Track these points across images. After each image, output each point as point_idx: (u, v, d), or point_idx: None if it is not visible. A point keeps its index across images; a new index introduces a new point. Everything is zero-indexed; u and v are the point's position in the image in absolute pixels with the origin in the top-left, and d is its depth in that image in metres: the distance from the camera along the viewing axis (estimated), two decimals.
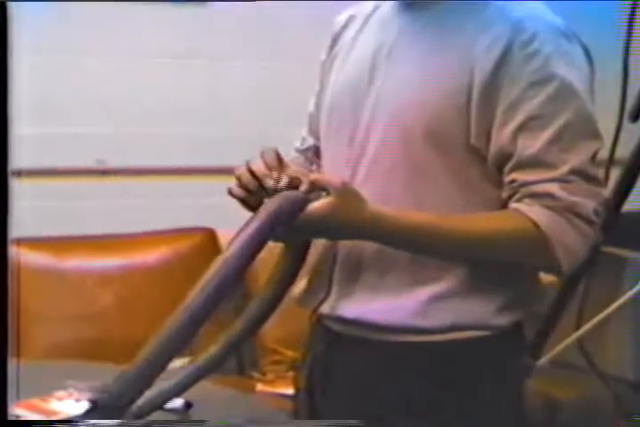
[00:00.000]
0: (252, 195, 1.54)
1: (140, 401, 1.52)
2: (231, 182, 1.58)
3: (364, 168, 1.62)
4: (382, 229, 1.51)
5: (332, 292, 1.65)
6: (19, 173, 3.17)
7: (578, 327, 2.40)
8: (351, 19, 1.76)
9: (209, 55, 3.45)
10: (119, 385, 1.36)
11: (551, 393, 3.13)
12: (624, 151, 2.22)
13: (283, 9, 3.36)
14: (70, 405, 1.76)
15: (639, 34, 2.04)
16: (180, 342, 1.36)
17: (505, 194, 1.55)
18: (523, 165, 1.52)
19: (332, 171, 1.63)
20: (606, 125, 1.79)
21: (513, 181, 1.54)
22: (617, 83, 2.04)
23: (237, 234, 1.42)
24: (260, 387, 3.17)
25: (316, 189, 1.49)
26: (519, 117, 1.52)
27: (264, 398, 2.89)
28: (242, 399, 2.00)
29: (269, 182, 1.51)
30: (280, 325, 2.93)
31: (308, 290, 1.69)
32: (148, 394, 1.54)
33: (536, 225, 1.50)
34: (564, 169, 1.51)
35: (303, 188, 1.49)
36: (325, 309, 1.66)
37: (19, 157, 3.18)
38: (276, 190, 1.50)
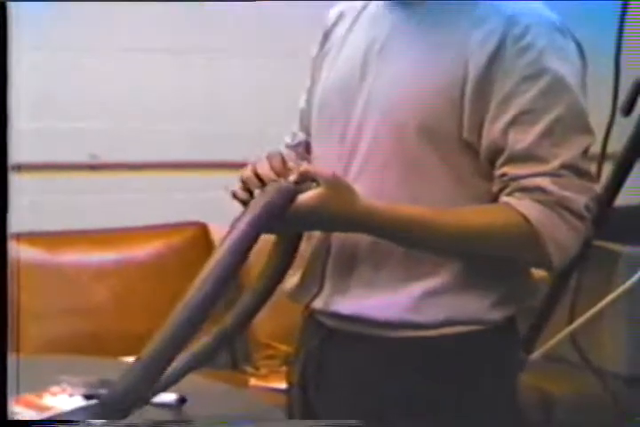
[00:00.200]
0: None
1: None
2: (224, 178, 1.58)
3: (356, 165, 1.62)
4: (374, 221, 1.51)
5: (325, 287, 1.65)
6: (17, 168, 3.19)
7: (571, 322, 2.41)
8: (341, 15, 1.75)
9: (207, 52, 3.45)
10: (124, 383, 1.36)
11: (544, 387, 3.14)
12: (616, 145, 2.22)
13: (281, 7, 3.36)
14: (64, 400, 1.76)
15: (631, 29, 2.05)
16: (184, 339, 1.37)
17: (496, 188, 1.56)
18: (514, 158, 1.53)
19: (324, 167, 1.61)
20: (599, 120, 1.80)
21: (504, 175, 1.54)
22: (609, 78, 2.05)
23: (231, 228, 1.43)
24: (253, 382, 3.17)
25: (306, 179, 1.49)
26: (511, 111, 1.52)
27: (258, 393, 2.90)
28: (235, 394, 2.01)
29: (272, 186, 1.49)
30: (273, 319, 2.94)
31: (301, 285, 1.69)
32: None
33: (527, 219, 1.51)
34: (556, 163, 1.51)
35: (292, 178, 1.49)
36: (319, 304, 1.66)
37: (16, 151, 3.19)
38: None
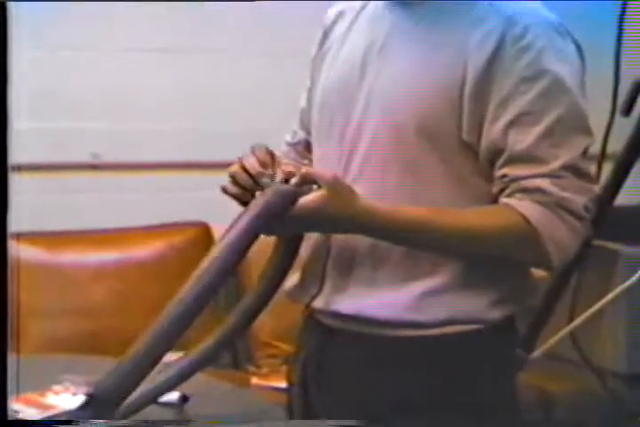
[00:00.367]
0: (246, 192, 1.54)
1: (135, 395, 1.54)
2: (226, 177, 1.58)
3: (356, 165, 1.62)
4: (375, 222, 1.51)
5: (325, 286, 1.65)
6: (17, 168, 3.20)
7: (571, 321, 2.42)
8: (341, 14, 1.75)
9: (207, 52, 3.45)
10: (113, 379, 1.37)
11: (544, 386, 3.14)
12: (616, 146, 2.23)
13: (280, 7, 3.36)
14: (67, 399, 1.77)
15: (630, 29, 2.05)
16: (174, 336, 1.38)
17: (495, 189, 1.56)
18: (514, 160, 1.53)
19: (323, 168, 1.62)
20: (598, 120, 1.80)
21: (504, 176, 1.54)
22: (609, 78, 2.06)
23: (229, 228, 1.43)
24: (255, 380, 3.18)
25: (307, 182, 1.49)
26: (511, 112, 1.52)
27: (259, 392, 2.90)
28: (237, 393, 2.02)
29: (264, 179, 1.51)
30: (275, 318, 2.95)
31: (301, 284, 1.70)
32: (143, 388, 1.55)
33: (527, 220, 1.51)
34: (555, 164, 1.51)
35: (294, 181, 1.49)
36: (319, 303, 1.66)
37: (17, 151, 3.19)
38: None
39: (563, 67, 1.53)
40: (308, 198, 1.47)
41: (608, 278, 2.94)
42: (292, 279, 1.71)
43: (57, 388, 1.82)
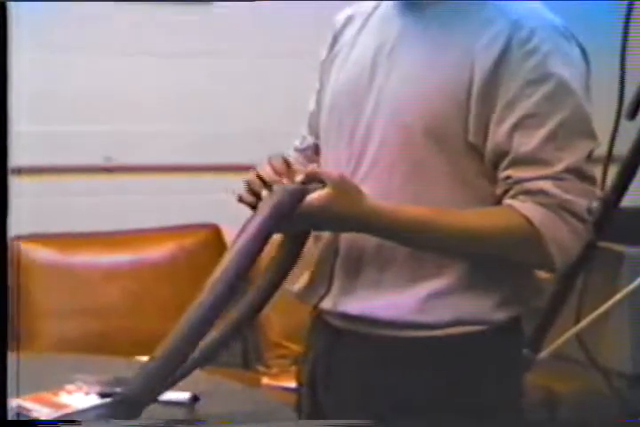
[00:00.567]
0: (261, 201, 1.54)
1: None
2: (236, 179, 1.59)
3: (364, 166, 1.63)
4: (380, 221, 1.53)
5: (333, 288, 1.67)
6: (24, 171, 3.22)
7: (577, 322, 2.42)
8: (350, 18, 1.77)
9: (212, 54, 3.46)
10: (140, 380, 1.39)
11: (551, 386, 3.15)
12: (622, 148, 2.24)
13: (284, 7, 3.37)
14: (80, 398, 1.79)
15: (636, 32, 2.06)
16: (197, 338, 1.40)
17: (499, 190, 1.57)
18: (518, 162, 1.54)
19: (332, 169, 1.62)
20: (604, 123, 1.82)
21: (508, 178, 1.56)
22: (614, 81, 2.07)
23: (242, 230, 1.45)
24: (265, 380, 3.19)
25: (313, 180, 1.51)
26: (516, 115, 1.54)
27: (269, 392, 2.91)
28: (248, 393, 2.01)
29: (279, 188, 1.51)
30: (285, 319, 2.97)
31: (309, 286, 1.71)
32: None
33: (530, 222, 1.53)
34: (559, 167, 1.53)
35: (299, 178, 1.51)
36: (327, 304, 1.68)
37: (27, 154, 3.23)
38: None
39: (568, 70, 1.55)
40: (314, 196, 1.49)
41: (614, 280, 2.95)
42: (301, 281, 1.72)
43: (70, 387, 1.84)
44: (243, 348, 3.36)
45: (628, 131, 2.21)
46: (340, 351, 1.69)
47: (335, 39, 1.78)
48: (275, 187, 1.51)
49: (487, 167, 1.58)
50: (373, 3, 1.75)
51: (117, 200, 3.44)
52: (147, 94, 3.45)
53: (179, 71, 3.46)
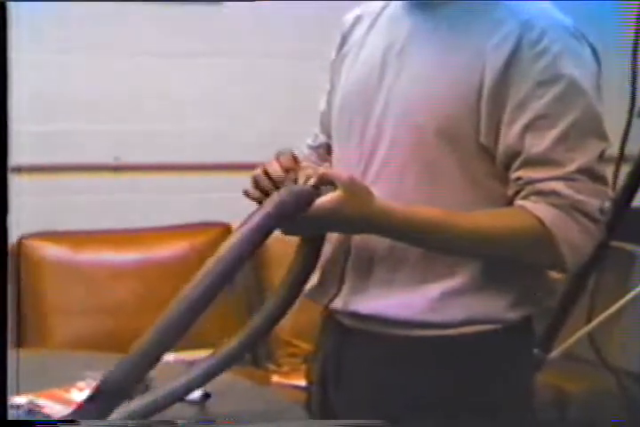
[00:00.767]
0: (268, 196, 1.54)
1: (161, 393, 1.56)
2: (247, 177, 1.60)
3: (375, 167, 1.63)
4: (391, 223, 1.52)
5: (344, 287, 1.67)
6: (35, 169, 3.24)
7: (588, 321, 2.42)
8: (359, 18, 1.77)
9: (222, 53, 3.47)
10: (118, 372, 1.39)
11: (561, 386, 3.15)
12: (633, 148, 2.24)
13: (294, 8, 3.39)
14: None
15: None
16: (178, 332, 1.40)
17: (511, 191, 1.57)
18: (529, 162, 1.54)
19: (343, 170, 1.63)
20: (615, 123, 1.81)
21: (519, 179, 1.56)
22: (626, 81, 2.07)
23: (241, 225, 1.45)
24: (275, 379, 3.20)
25: (325, 183, 1.50)
26: (527, 116, 1.53)
27: (280, 390, 2.91)
28: (258, 391, 2.02)
29: (286, 184, 1.52)
30: (296, 317, 2.96)
31: (320, 285, 1.71)
32: (169, 386, 1.57)
33: (541, 222, 1.52)
34: (571, 167, 1.53)
35: (311, 181, 1.51)
36: (338, 304, 1.68)
37: (37, 153, 3.24)
38: None
39: (579, 70, 1.55)
40: (325, 199, 1.49)
41: (625, 279, 2.94)
42: (312, 280, 1.71)
43: (81, 384, 1.84)
44: (252, 347, 3.36)
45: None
46: (351, 350, 1.70)
47: (344, 39, 1.78)
48: (283, 187, 1.51)
49: (498, 168, 1.58)
50: (382, 2, 1.75)
51: (128, 199, 3.45)
52: (166, 93, 3.45)
53: (189, 71, 3.47)
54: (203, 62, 3.47)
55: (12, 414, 1.71)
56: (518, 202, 1.56)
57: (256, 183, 1.57)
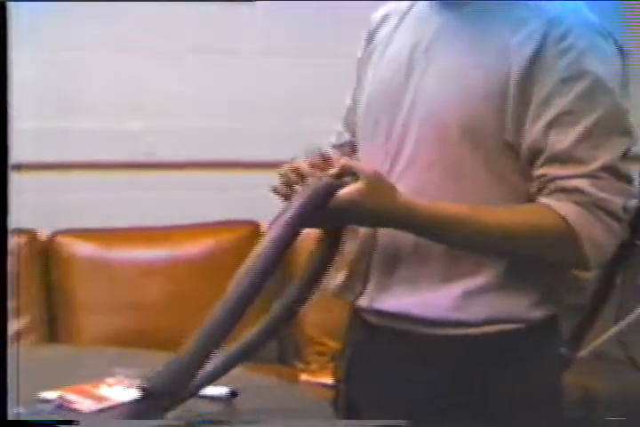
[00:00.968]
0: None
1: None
2: (274, 175, 1.59)
3: (401, 166, 1.63)
4: (414, 217, 1.52)
5: (369, 285, 1.67)
6: (56, 166, 3.26)
7: (617, 320, 2.41)
8: (386, 16, 1.77)
9: (252, 52, 3.48)
10: (166, 375, 1.39)
11: (589, 385, 3.13)
12: None
13: (319, 7, 3.39)
14: (120, 391, 1.81)
15: None
16: (224, 333, 1.40)
17: (534, 188, 1.57)
18: (553, 160, 1.54)
19: (364, 164, 1.61)
20: None
21: (543, 176, 1.55)
22: None
23: (273, 223, 1.45)
24: (303, 377, 3.20)
25: (346, 174, 1.50)
26: (551, 113, 1.53)
27: (308, 388, 2.91)
28: (286, 389, 2.02)
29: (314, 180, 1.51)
30: (323, 315, 2.97)
31: (346, 283, 1.72)
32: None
33: (565, 220, 1.52)
34: (595, 165, 1.52)
35: (332, 172, 1.50)
36: (363, 302, 1.69)
37: (76, 150, 3.25)
38: None
39: (604, 68, 1.54)
40: (346, 190, 1.48)
41: None
42: (338, 278, 1.73)
43: (110, 380, 1.86)
44: (279, 344, 3.37)
45: None
46: (377, 348, 1.70)
47: (371, 37, 1.79)
48: (309, 179, 1.51)
49: (522, 165, 1.58)
50: (409, 2, 1.75)
51: (157, 196, 3.46)
52: (197, 91, 3.46)
53: (219, 69, 3.48)
54: (235, 61, 3.48)
55: (40, 409, 1.73)
56: (542, 199, 1.55)
57: (284, 179, 1.57)
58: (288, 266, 3.06)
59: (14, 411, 1.67)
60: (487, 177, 1.58)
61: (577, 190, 1.52)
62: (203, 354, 1.40)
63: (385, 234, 1.64)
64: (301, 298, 1.63)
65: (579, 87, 1.53)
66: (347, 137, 1.84)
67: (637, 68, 1.70)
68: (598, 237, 1.53)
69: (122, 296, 3.26)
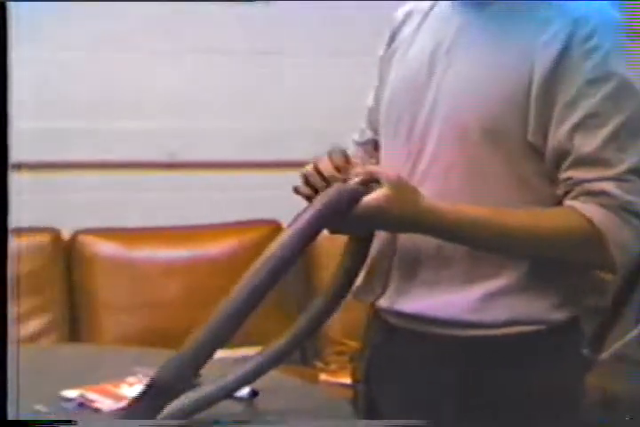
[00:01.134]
0: (317, 193, 1.53)
1: (210, 389, 1.57)
2: (296, 175, 1.59)
3: (423, 165, 1.63)
4: (439, 222, 1.51)
5: (390, 286, 1.67)
6: (80, 165, 3.28)
7: (639, 322, 2.40)
8: (409, 15, 1.77)
9: (275, 52, 3.49)
10: (170, 369, 1.40)
11: (610, 387, 3.12)
12: None
13: (342, 6, 3.40)
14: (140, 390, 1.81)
15: None
16: (229, 330, 1.40)
17: (560, 191, 1.56)
18: (579, 162, 1.53)
19: (391, 167, 1.63)
20: None
21: (569, 179, 1.54)
22: None
23: (291, 223, 1.45)
24: (323, 377, 3.20)
25: (371, 181, 1.50)
26: (577, 115, 1.52)
27: (327, 388, 2.92)
28: (306, 389, 2.02)
29: (336, 181, 1.51)
30: (344, 316, 2.95)
31: (366, 284, 1.71)
32: (218, 383, 1.58)
33: (590, 222, 1.51)
34: (622, 168, 1.51)
35: (358, 179, 1.50)
36: (383, 303, 1.68)
37: (96, 151, 3.26)
38: None
39: (630, 69, 1.53)
40: (371, 197, 1.48)
41: None
42: (358, 278, 1.71)
43: (131, 379, 1.87)
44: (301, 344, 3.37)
45: None
46: (396, 349, 1.70)
47: (393, 35, 1.79)
48: (333, 185, 1.51)
49: (547, 167, 1.57)
50: (430, 2, 1.74)
51: (179, 196, 3.47)
52: (215, 91, 3.48)
53: (243, 68, 3.49)
54: (260, 61, 3.49)
55: (63, 407, 1.74)
56: (568, 202, 1.55)
57: (306, 180, 1.57)
58: (312, 279, 3.08)
59: (35, 408, 1.69)
60: (508, 179, 1.58)
61: (603, 193, 1.51)
62: (208, 349, 1.40)
63: (406, 235, 1.63)
64: (328, 310, 1.63)
65: (605, 89, 1.52)
66: (369, 135, 1.84)
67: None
68: (625, 239, 1.52)
69: (143, 296, 3.28)
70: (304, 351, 3.37)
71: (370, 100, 1.84)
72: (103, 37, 3.34)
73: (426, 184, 1.58)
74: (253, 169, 3.52)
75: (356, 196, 1.48)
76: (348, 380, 2.67)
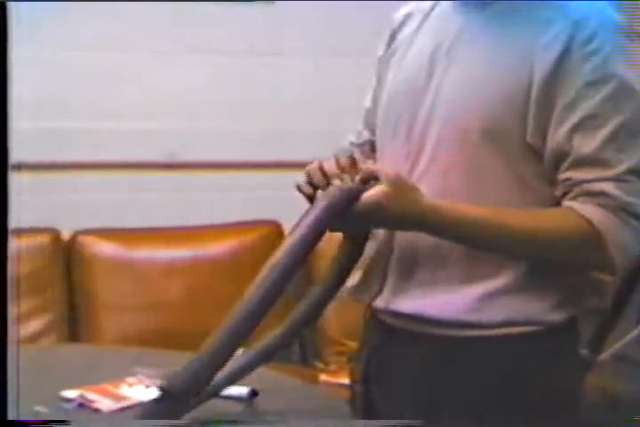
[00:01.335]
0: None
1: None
2: (298, 176, 1.59)
3: (422, 166, 1.63)
4: (438, 220, 1.51)
5: (387, 286, 1.67)
6: (85, 166, 3.28)
7: (639, 322, 2.40)
8: (409, 16, 1.77)
9: (275, 52, 3.49)
10: (186, 374, 1.40)
11: (610, 387, 3.12)
12: None
13: (345, 6, 3.40)
14: (140, 391, 1.82)
15: None
16: (244, 334, 1.40)
17: (559, 192, 1.56)
18: (579, 163, 1.53)
19: (389, 168, 1.60)
20: None
21: (568, 180, 1.54)
22: None
23: (296, 225, 1.45)
24: (323, 377, 3.20)
25: (370, 179, 1.50)
26: (576, 116, 1.52)
27: (327, 389, 2.92)
28: (306, 389, 2.03)
29: (340, 182, 1.51)
30: (343, 316, 2.97)
31: (363, 284, 1.71)
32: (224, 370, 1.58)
33: (590, 223, 1.51)
34: (621, 168, 1.51)
35: (357, 177, 1.50)
36: (380, 303, 1.68)
37: (98, 151, 3.25)
38: None
39: (630, 70, 1.53)
40: (370, 194, 1.48)
41: None
42: (354, 278, 1.72)
43: (130, 380, 1.87)
44: (300, 344, 3.38)
45: None
46: (393, 349, 1.70)
47: (393, 36, 1.78)
48: (332, 185, 1.51)
49: (546, 169, 1.57)
50: (431, 2, 1.74)
51: (179, 196, 3.47)
52: (217, 91, 3.47)
53: (243, 68, 3.49)
54: (262, 61, 3.49)
55: (62, 407, 1.74)
56: (567, 203, 1.55)
57: (309, 178, 1.57)
58: (310, 269, 3.07)
59: (34, 409, 1.69)
60: (508, 180, 1.58)
61: (602, 194, 1.51)
62: (224, 354, 1.41)
63: (403, 235, 1.63)
64: (324, 300, 1.64)
65: (604, 91, 1.52)
66: (366, 136, 1.84)
67: None
68: (624, 239, 1.52)
69: (143, 296, 3.28)
70: (304, 351, 3.37)
71: (367, 101, 1.84)
72: (103, 37, 3.34)
73: (425, 184, 1.57)
74: (253, 169, 3.52)
75: (355, 194, 1.48)
76: (347, 380, 2.68)
